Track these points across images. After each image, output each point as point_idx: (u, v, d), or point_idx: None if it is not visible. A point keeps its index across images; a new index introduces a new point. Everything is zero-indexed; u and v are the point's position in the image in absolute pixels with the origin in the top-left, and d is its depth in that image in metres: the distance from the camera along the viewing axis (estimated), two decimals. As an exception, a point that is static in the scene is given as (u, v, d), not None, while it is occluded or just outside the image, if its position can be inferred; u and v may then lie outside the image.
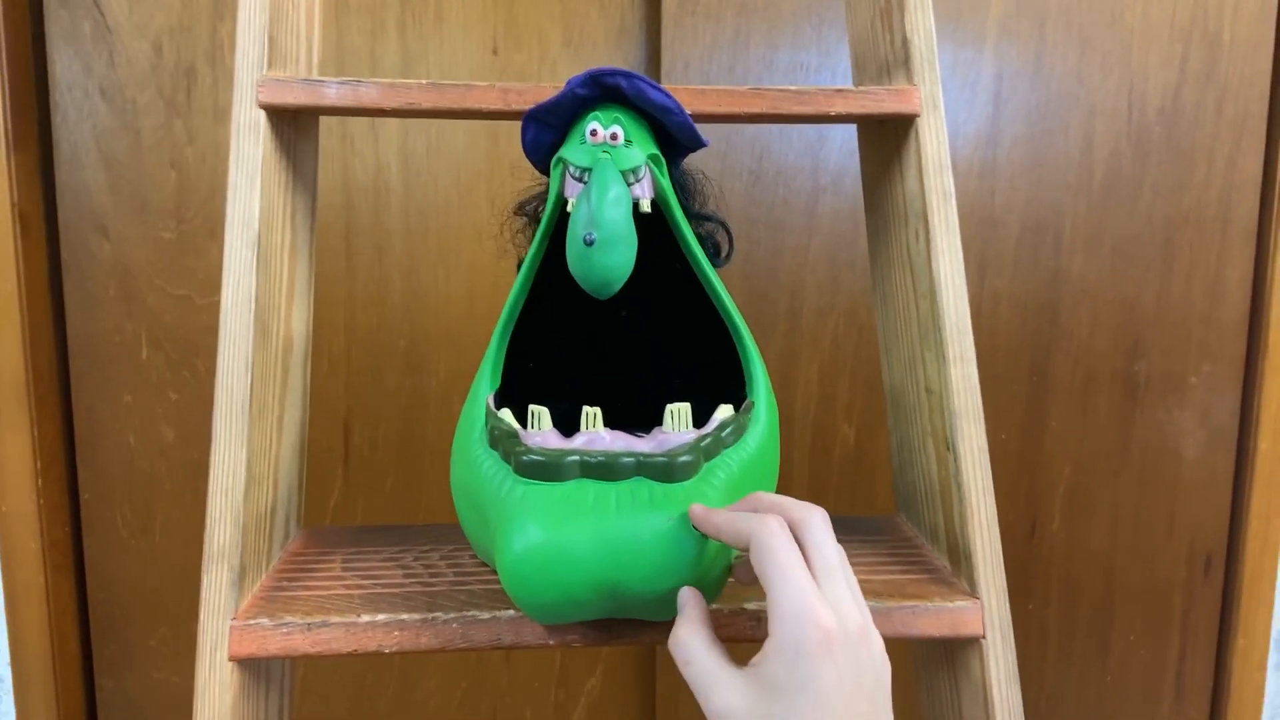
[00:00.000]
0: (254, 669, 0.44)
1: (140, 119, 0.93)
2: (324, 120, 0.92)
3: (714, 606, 0.45)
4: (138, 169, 0.93)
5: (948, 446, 0.48)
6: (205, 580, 0.42)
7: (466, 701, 1.02)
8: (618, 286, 0.44)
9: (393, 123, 0.94)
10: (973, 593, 0.45)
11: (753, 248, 0.97)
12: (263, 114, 0.46)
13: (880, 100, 0.49)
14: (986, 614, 0.44)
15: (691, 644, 0.37)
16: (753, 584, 0.40)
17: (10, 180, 0.90)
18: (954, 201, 0.48)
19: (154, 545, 0.98)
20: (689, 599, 0.39)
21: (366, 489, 0.99)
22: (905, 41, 0.49)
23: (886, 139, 0.54)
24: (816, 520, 0.38)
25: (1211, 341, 1.01)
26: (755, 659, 0.36)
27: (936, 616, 0.44)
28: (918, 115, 0.49)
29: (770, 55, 0.95)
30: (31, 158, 0.93)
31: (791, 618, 0.35)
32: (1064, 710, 1.06)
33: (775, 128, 0.95)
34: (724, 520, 0.39)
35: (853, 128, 0.93)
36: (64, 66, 0.92)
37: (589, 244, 0.42)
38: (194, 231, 0.94)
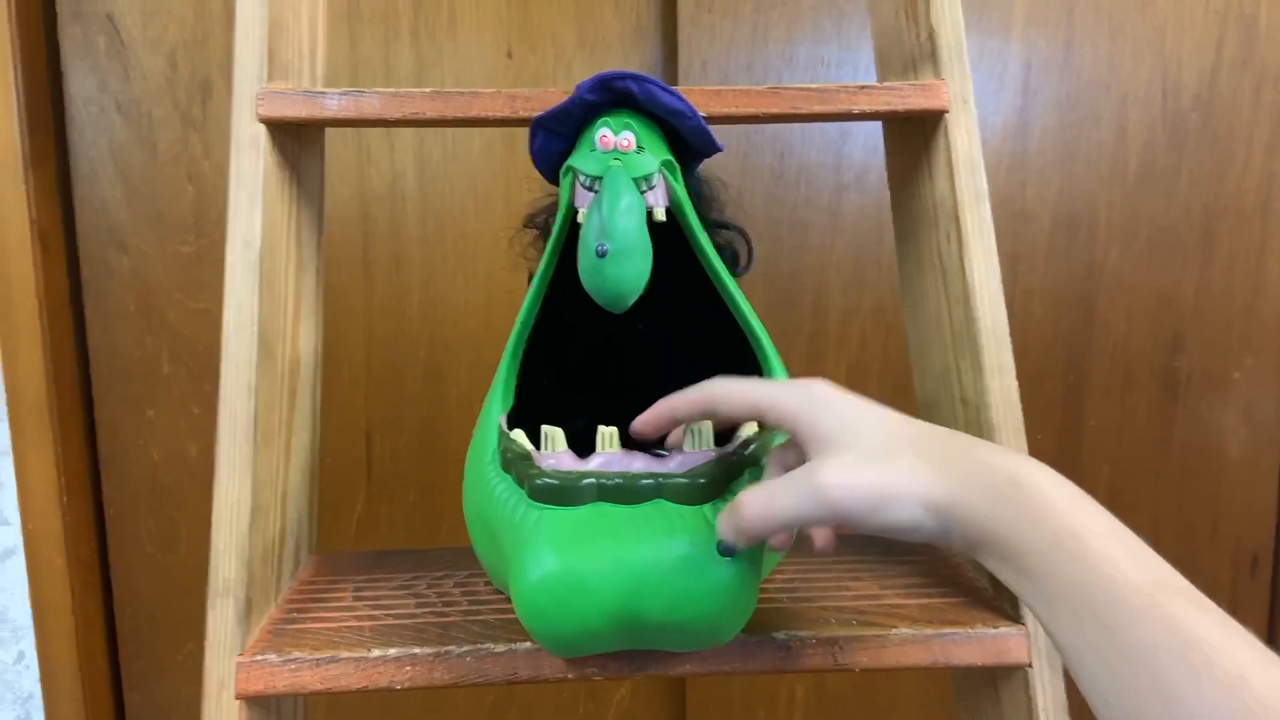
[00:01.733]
0: (263, 705, 0.43)
1: (156, 133, 0.92)
2: (339, 129, 0.91)
3: (741, 637, 0.42)
4: (155, 183, 0.93)
5: (985, 462, 0.45)
6: (210, 616, 0.41)
7: (494, 712, 1.01)
8: (632, 299, 0.42)
9: (408, 131, 0.93)
10: (1017, 618, 0.43)
11: (775, 248, 0.95)
12: (263, 128, 0.44)
13: (906, 96, 0.47)
14: (1033, 640, 0.42)
15: (757, 497, 0.36)
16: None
17: (29, 197, 0.90)
18: (987, 202, 0.46)
19: (179, 560, 0.98)
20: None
21: (389, 500, 0.98)
22: (932, 34, 0.47)
23: (914, 137, 0.51)
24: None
25: (1254, 335, 0.97)
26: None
27: (979, 644, 0.41)
28: (946, 111, 0.47)
29: (790, 51, 0.93)
30: (49, 174, 0.92)
31: (794, 398, 0.37)
32: (1107, 718, 1.03)
33: (796, 125, 0.92)
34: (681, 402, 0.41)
35: (878, 123, 0.90)
36: (79, 82, 0.91)
37: (601, 255, 0.40)
38: (212, 245, 0.93)
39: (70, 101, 0.92)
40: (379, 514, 0.98)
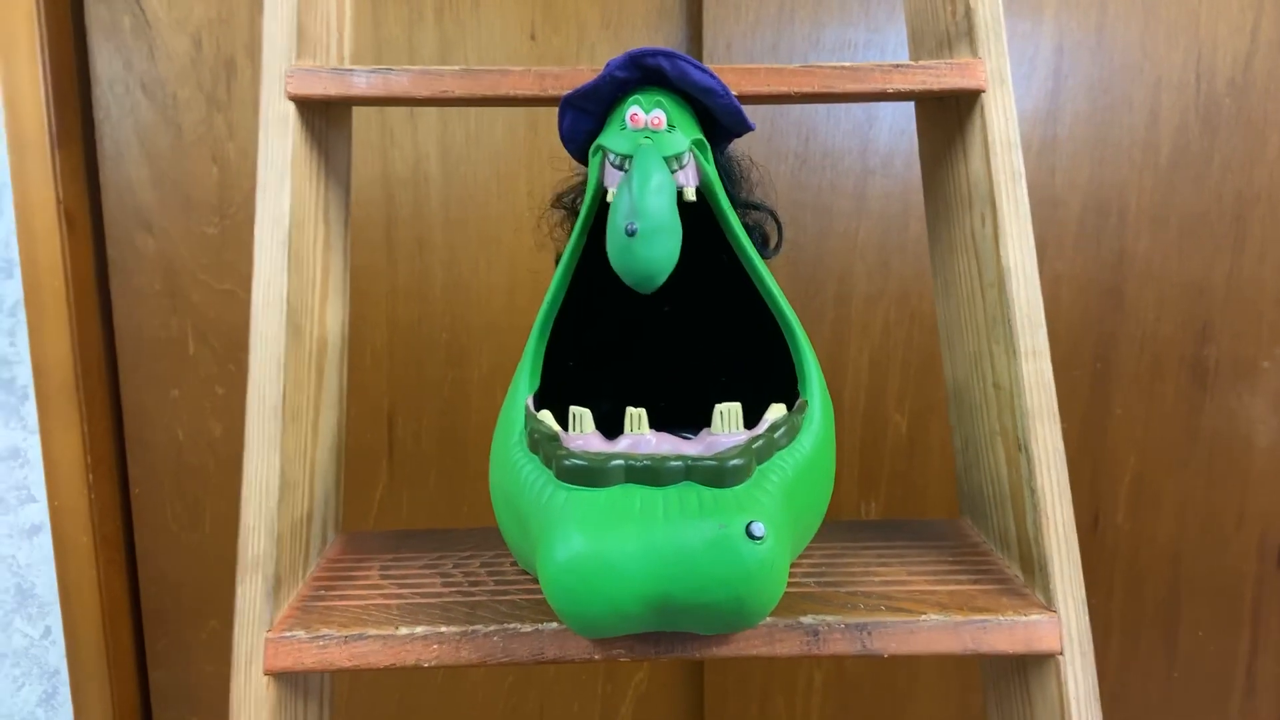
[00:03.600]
0: (291, 681, 0.43)
1: (182, 114, 0.92)
2: (362, 111, 0.91)
3: (769, 620, 0.42)
4: (180, 164, 0.93)
5: (1019, 447, 0.44)
6: (239, 591, 0.41)
7: (514, 692, 1.02)
8: (662, 279, 0.41)
9: (431, 112, 0.92)
10: (1048, 605, 0.42)
11: (799, 233, 0.94)
12: (292, 106, 0.44)
13: (942, 75, 0.46)
14: (1064, 628, 0.41)
15: None
16: None
17: (55, 178, 0.90)
18: (1024, 182, 0.45)
19: (203, 539, 0.98)
20: None
21: (410, 483, 0.98)
22: (969, 11, 0.46)
23: (948, 116, 0.51)
24: None
25: (1287, 324, 0.95)
26: None
27: (1009, 631, 0.41)
28: (983, 90, 0.46)
29: (816, 33, 0.92)
30: (75, 155, 0.93)
31: None
32: (1129, 708, 1.02)
33: (822, 108, 0.91)
34: None
35: (905, 106, 0.89)
36: (105, 62, 0.92)
37: (630, 235, 0.40)
38: (237, 226, 0.93)
39: (96, 82, 0.92)
40: (400, 496, 0.98)
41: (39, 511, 0.96)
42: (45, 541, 0.97)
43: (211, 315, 0.95)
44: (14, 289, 0.92)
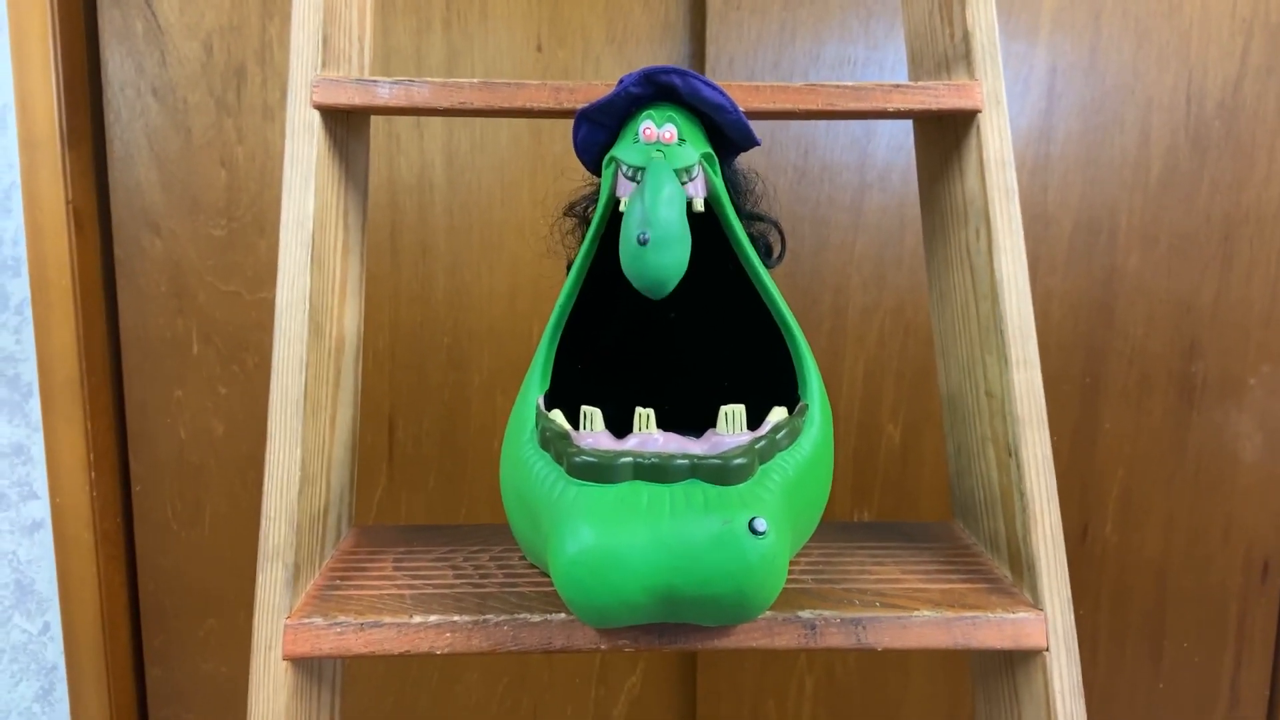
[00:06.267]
0: (307, 668, 0.44)
1: (191, 118, 0.94)
2: (371, 118, 0.93)
3: (768, 614, 0.44)
4: (189, 167, 0.94)
5: (1009, 453, 0.46)
6: (260, 579, 0.42)
7: (508, 696, 1.03)
8: (672, 286, 0.43)
9: (437, 120, 0.94)
10: (1035, 604, 0.44)
11: (797, 244, 0.96)
12: (317, 114, 0.46)
13: (940, 96, 0.48)
14: (1050, 626, 0.43)
15: None
16: None
17: (65, 178, 0.91)
18: (1017, 199, 0.47)
19: (203, 537, 0.99)
20: None
21: (410, 485, 0.99)
22: (966, 35, 0.48)
23: (945, 135, 0.53)
24: None
25: (1271, 342, 0.98)
26: None
27: (998, 628, 0.43)
28: (979, 111, 0.48)
29: (817, 49, 0.94)
30: (85, 156, 0.94)
31: None
32: (1115, 718, 1.04)
33: (821, 123, 0.93)
34: None
35: (901, 123, 0.91)
36: (116, 66, 0.93)
37: (643, 244, 0.41)
38: (243, 229, 0.95)
39: (108, 85, 0.93)
40: (399, 498, 1.00)
41: (40, 508, 0.97)
42: (46, 538, 0.97)
43: (216, 316, 0.96)
44: (21, 286, 0.93)
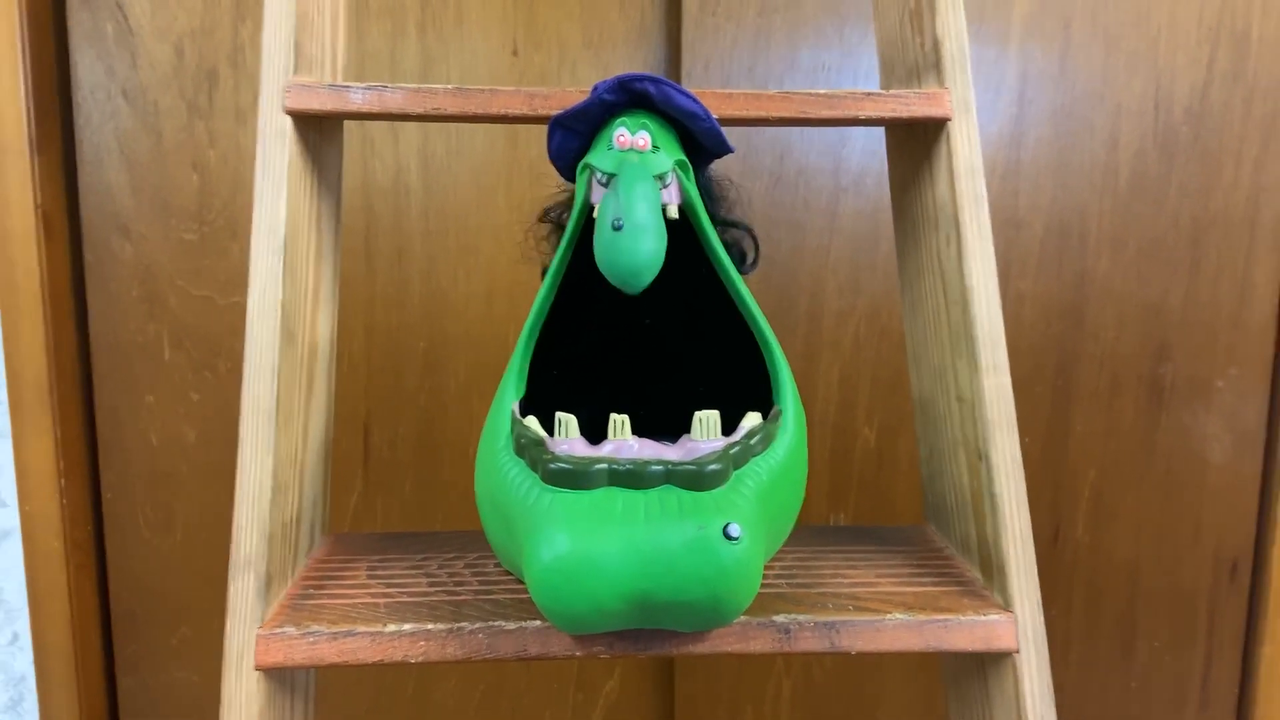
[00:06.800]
0: (279, 678, 0.44)
1: (162, 121, 0.93)
2: (345, 123, 0.92)
3: (743, 619, 0.44)
4: (160, 171, 0.93)
5: (980, 456, 0.47)
6: (232, 589, 0.42)
7: (485, 703, 1.02)
8: (648, 278, 0.43)
9: (412, 125, 0.94)
10: (1006, 606, 0.45)
11: (773, 249, 0.96)
12: (289, 120, 0.46)
13: (910, 104, 0.49)
14: (1020, 627, 0.44)
15: None
16: None
17: (34, 181, 0.90)
18: (986, 206, 0.48)
19: (175, 545, 0.98)
20: None
21: (386, 490, 0.99)
22: (936, 44, 0.49)
23: (916, 143, 0.53)
24: None
25: (1238, 345, 0.99)
26: None
27: (970, 630, 0.43)
28: (949, 119, 0.48)
29: (791, 56, 0.94)
30: (54, 159, 0.93)
31: None
32: (1087, 719, 1.05)
33: (796, 129, 0.94)
34: None
35: (876, 129, 0.92)
36: (86, 68, 0.92)
37: (617, 229, 0.41)
38: (215, 233, 0.94)
39: (77, 87, 0.92)
40: (375, 503, 0.99)
41: (9, 516, 0.95)
42: (15, 547, 0.96)
43: (188, 321, 0.95)
44: (-10, 292, 0.92)
